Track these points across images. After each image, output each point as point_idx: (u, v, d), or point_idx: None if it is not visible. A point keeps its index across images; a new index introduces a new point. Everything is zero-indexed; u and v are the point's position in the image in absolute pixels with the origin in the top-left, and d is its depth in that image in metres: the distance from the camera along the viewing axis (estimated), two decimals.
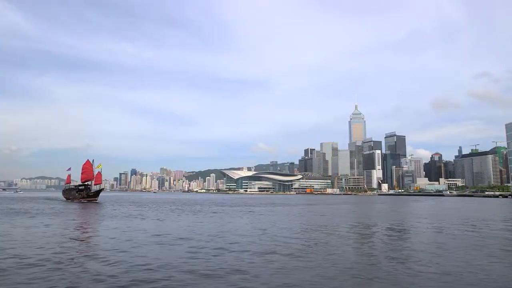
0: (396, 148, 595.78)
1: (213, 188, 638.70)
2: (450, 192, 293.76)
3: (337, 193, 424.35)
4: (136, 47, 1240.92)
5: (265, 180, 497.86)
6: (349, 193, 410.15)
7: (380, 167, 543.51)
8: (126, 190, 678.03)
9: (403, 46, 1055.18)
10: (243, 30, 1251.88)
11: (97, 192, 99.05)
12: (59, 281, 14.96)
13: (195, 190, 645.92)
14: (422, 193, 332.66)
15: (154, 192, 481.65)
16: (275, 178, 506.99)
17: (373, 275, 16.39)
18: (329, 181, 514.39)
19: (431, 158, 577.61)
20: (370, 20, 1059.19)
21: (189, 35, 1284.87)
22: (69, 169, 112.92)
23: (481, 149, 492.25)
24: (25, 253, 20.21)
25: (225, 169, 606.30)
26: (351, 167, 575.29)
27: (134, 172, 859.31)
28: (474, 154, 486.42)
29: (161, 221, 42.73)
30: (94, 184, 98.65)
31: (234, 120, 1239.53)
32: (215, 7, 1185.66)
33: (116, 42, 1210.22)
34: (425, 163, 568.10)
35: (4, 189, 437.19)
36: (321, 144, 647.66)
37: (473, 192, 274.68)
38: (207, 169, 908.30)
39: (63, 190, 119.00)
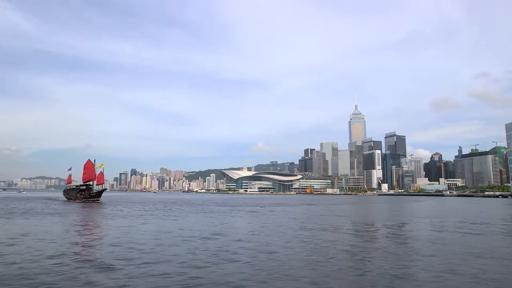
0: (396, 148, 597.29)
1: (213, 188, 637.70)
2: (450, 192, 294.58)
3: (337, 193, 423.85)
4: (136, 47, 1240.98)
5: (265, 180, 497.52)
6: (349, 193, 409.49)
7: (380, 167, 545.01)
8: (126, 190, 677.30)
9: (403, 46, 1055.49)
10: (243, 30, 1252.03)
11: (100, 193, 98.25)
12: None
13: (195, 190, 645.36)
14: (422, 193, 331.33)
15: (154, 192, 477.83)
16: (275, 178, 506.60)
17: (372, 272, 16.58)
18: (329, 181, 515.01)
19: (431, 158, 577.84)
20: (370, 20, 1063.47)
21: (189, 35, 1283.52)
22: (70, 169, 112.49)
23: (481, 149, 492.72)
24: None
25: (225, 169, 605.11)
26: (351, 167, 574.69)
27: (134, 172, 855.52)
28: (474, 154, 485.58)
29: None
30: (96, 184, 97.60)
31: (234, 120, 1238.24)
32: (215, 7, 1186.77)
33: (116, 42, 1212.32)
34: (425, 163, 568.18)
35: (4, 189, 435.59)
36: (321, 144, 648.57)
37: (473, 192, 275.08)
38: (207, 169, 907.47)
39: (64, 190, 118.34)
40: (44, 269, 16.47)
